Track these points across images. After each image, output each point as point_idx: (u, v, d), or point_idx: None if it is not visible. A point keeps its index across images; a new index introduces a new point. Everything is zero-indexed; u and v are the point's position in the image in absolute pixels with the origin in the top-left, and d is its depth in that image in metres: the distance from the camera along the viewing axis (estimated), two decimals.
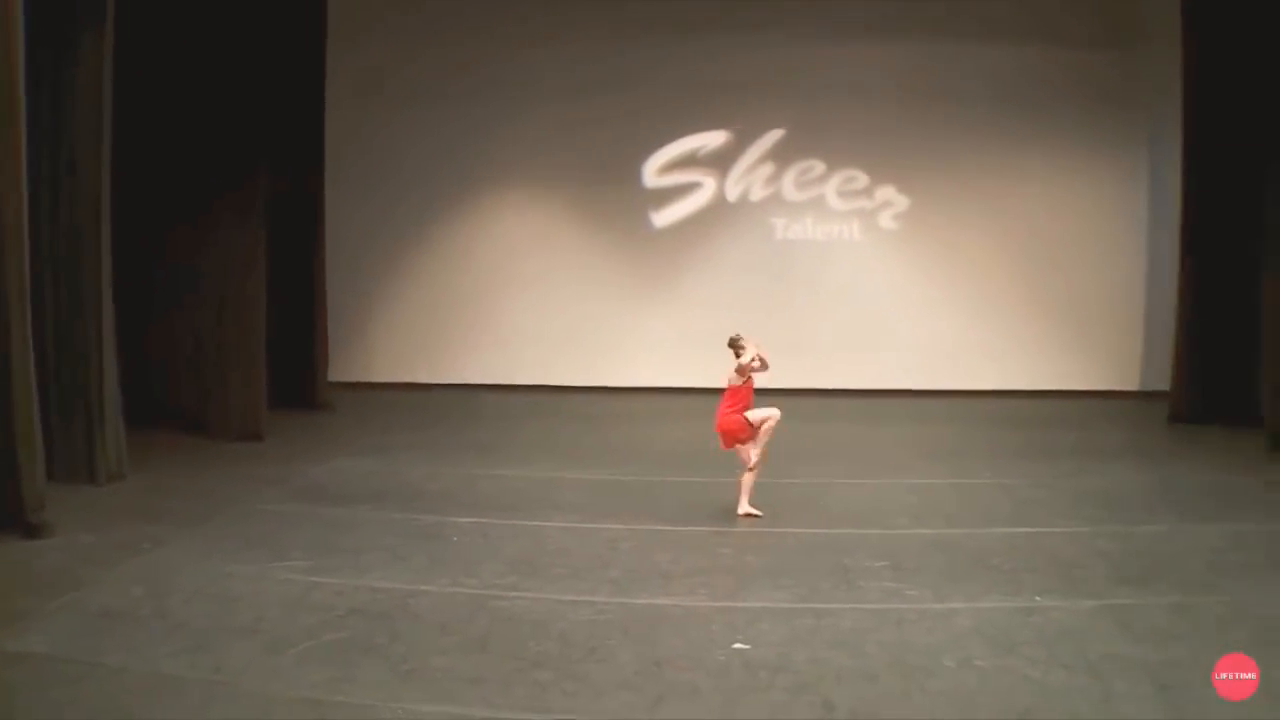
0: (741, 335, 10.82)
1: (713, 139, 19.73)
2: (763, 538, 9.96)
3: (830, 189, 19.66)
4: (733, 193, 19.76)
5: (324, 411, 17.10)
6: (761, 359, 10.67)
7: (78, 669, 6.70)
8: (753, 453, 10.57)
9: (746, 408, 10.58)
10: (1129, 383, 19.32)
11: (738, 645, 7.15)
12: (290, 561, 9.04)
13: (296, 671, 6.74)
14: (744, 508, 10.54)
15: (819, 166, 19.65)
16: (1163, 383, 17.55)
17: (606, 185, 19.69)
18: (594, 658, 6.98)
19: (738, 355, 10.64)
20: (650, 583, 8.59)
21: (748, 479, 10.60)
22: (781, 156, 19.67)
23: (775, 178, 19.68)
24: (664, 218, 19.84)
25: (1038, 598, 8.11)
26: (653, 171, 19.80)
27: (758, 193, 19.73)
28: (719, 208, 19.82)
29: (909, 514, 10.81)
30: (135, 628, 7.43)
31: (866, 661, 6.87)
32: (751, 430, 10.55)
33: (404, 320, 20.02)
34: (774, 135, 19.62)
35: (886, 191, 19.66)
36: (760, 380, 18.76)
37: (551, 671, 6.73)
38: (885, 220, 19.71)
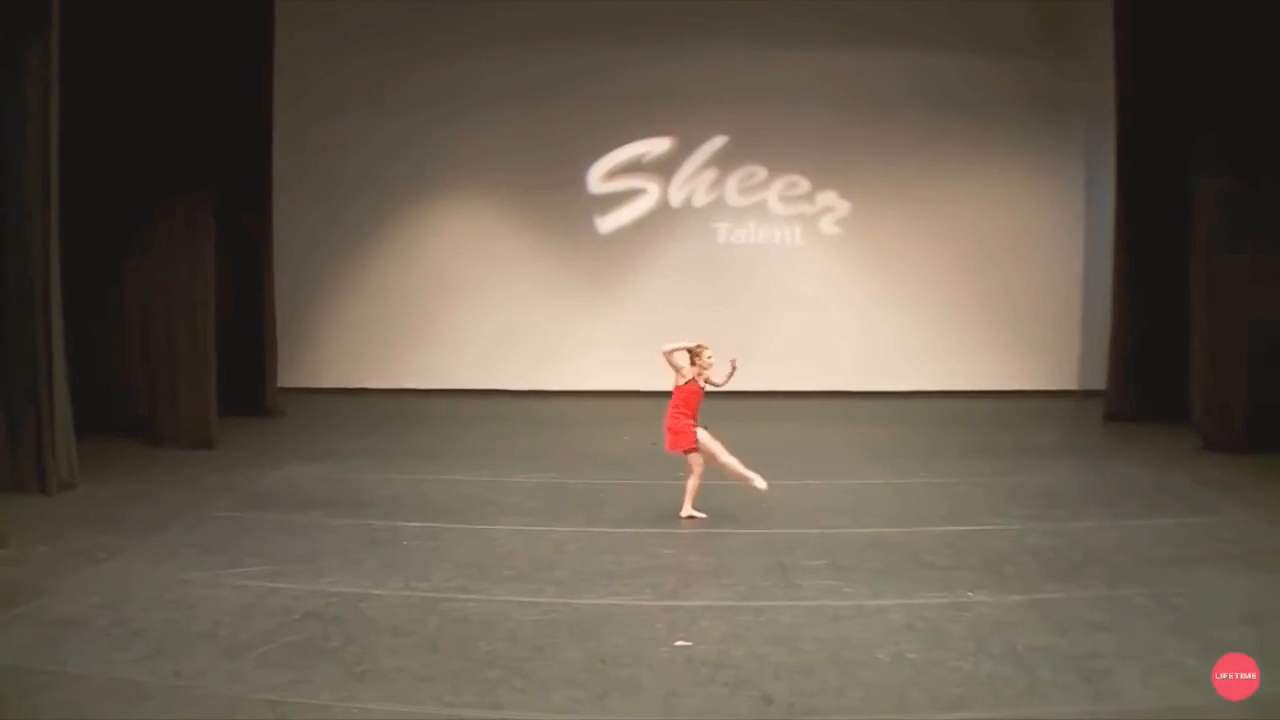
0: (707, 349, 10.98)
1: (656, 145, 19.91)
2: (705, 539, 10.25)
3: (772, 194, 19.91)
4: (676, 198, 19.96)
5: (274, 417, 17.15)
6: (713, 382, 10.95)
7: (39, 678, 6.79)
8: (696, 469, 10.81)
9: (696, 412, 10.79)
10: (1067, 382, 19.66)
11: (680, 642, 7.42)
12: (246, 567, 9.16)
13: (255, 674, 6.91)
14: (687, 510, 10.77)
15: (761, 172, 19.88)
16: (1100, 382, 17.86)
17: (552, 191, 19.82)
18: (541, 656, 7.22)
19: (695, 360, 10.87)
20: (595, 583, 8.84)
21: (692, 483, 10.81)
22: (724, 163, 19.88)
23: (718, 183, 19.89)
24: (609, 223, 20.01)
25: (969, 593, 8.43)
26: (597, 177, 19.96)
27: (701, 198, 19.94)
28: (663, 213, 20.01)
29: (848, 514, 11.11)
30: (94, 636, 7.52)
31: (803, 656, 7.16)
32: (697, 448, 10.76)
33: (352, 326, 20.06)
34: (717, 142, 19.83)
35: (828, 196, 19.91)
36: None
37: (501, 670, 6.96)
38: (827, 225, 19.97)
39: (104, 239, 14.67)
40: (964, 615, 7.94)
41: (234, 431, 15.31)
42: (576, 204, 19.98)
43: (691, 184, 19.95)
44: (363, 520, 10.80)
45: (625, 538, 10.17)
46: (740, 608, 8.20)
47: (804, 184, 19.95)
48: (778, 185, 19.94)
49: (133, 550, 9.69)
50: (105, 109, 14.36)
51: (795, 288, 19.81)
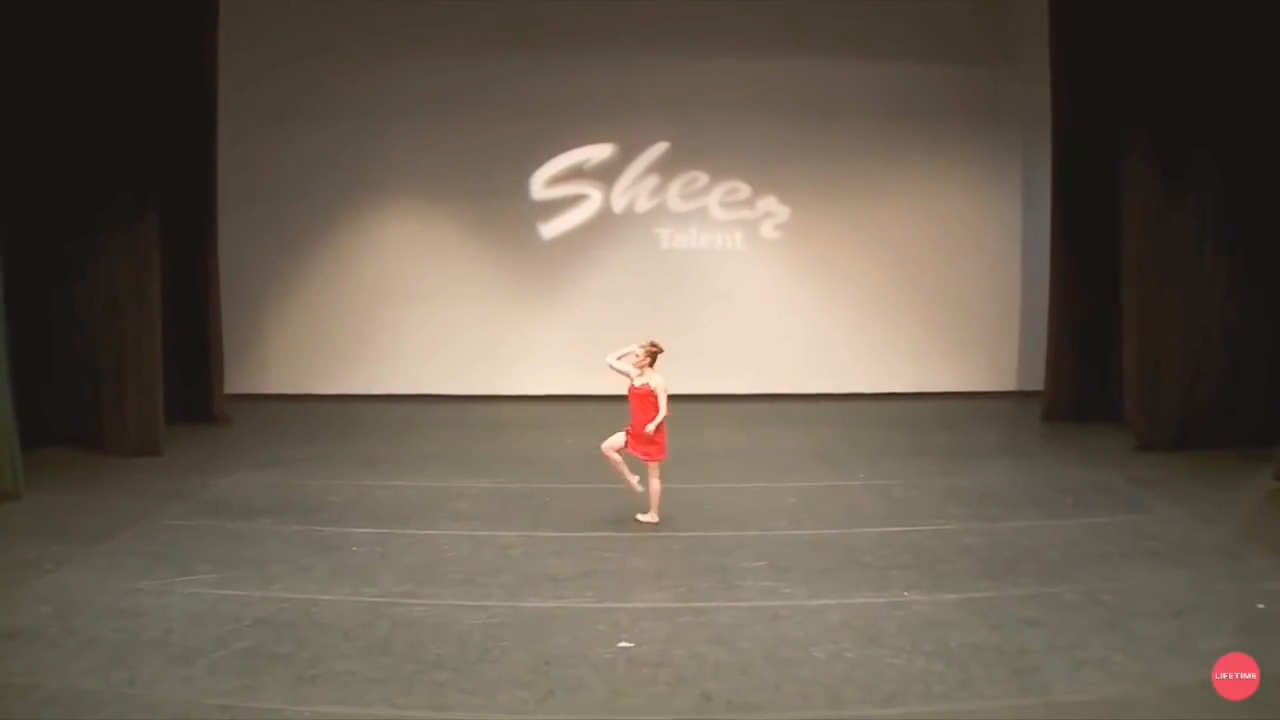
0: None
1: (598, 152, 19.94)
2: (646, 542, 10.44)
3: (713, 200, 20.01)
4: (619, 204, 20.01)
5: (221, 424, 17.11)
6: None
7: None
8: (657, 473, 10.95)
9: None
10: (1006, 383, 19.91)
11: (623, 643, 7.66)
12: (196, 575, 9.26)
13: (208, 680, 7.05)
14: (654, 516, 10.94)
15: (703, 178, 19.98)
16: (1038, 383, 18.10)
17: (494, 197, 19.82)
18: (488, 658, 7.42)
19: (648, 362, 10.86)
20: (540, 587, 9.03)
21: (656, 486, 10.95)
22: (666, 169, 19.96)
23: (660, 189, 19.97)
24: (552, 229, 20.03)
25: (905, 592, 8.71)
26: (540, 184, 20.00)
27: (643, 204, 20.01)
28: (605, 219, 20.06)
29: (787, 516, 11.32)
30: (45, 646, 7.61)
31: (742, 655, 7.41)
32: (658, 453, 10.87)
33: (296, 331, 20.00)
34: (659, 148, 19.91)
35: (768, 202, 20.03)
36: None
37: (450, 672, 7.16)
38: (767, 230, 20.09)
39: (48, 246, 14.52)
40: (899, 614, 8.21)
41: (181, 439, 15.34)
42: (519, 210, 19.99)
43: (634, 190, 20.02)
44: (312, 526, 10.92)
45: (569, 542, 10.34)
46: (681, 609, 8.42)
47: (745, 189, 20.06)
48: (719, 191, 20.03)
49: (81, 560, 9.74)
50: (49, 115, 14.23)
51: (737, 292, 19.94)
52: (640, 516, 10.95)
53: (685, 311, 19.61)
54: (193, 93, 16.79)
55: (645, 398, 10.73)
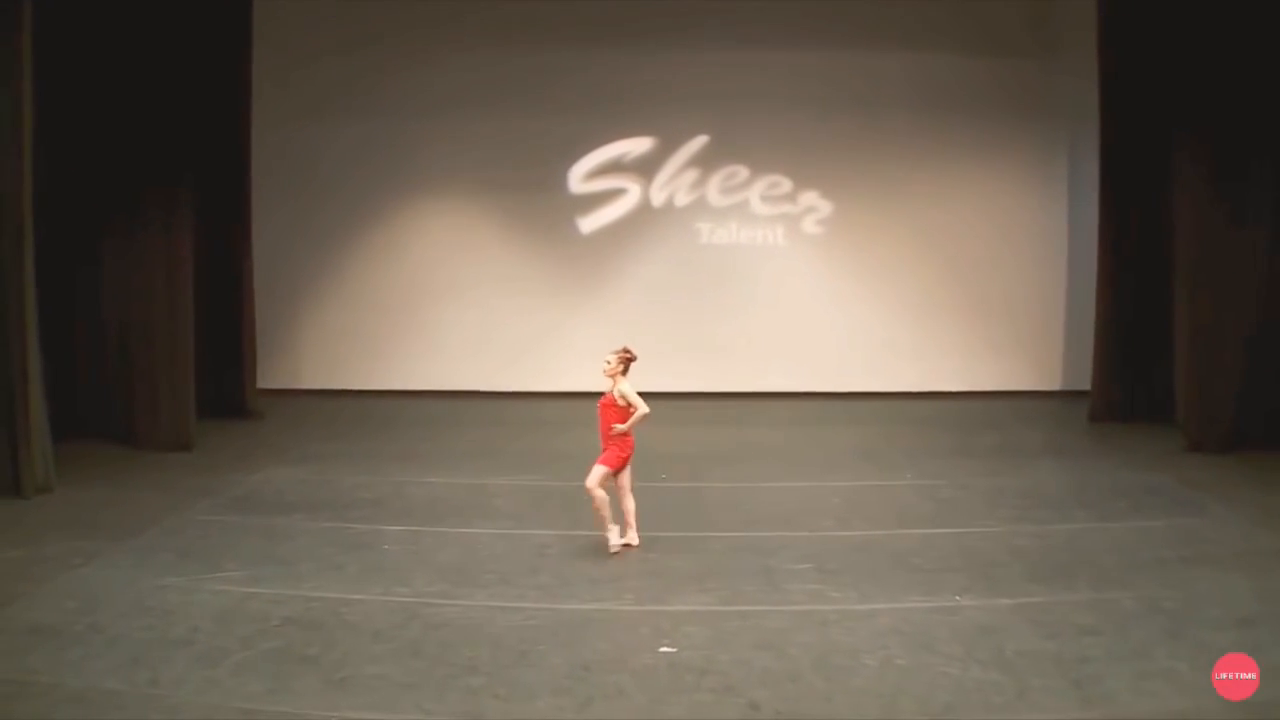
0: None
1: (637, 145, 19.72)
2: (688, 542, 10.10)
3: (754, 194, 19.72)
4: (658, 198, 19.76)
5: (254, 419, 16.96)
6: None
7: (8, 688, 6.71)
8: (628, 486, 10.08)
9: None
10: (1051, 383, 19.53)
11: (664, 648, 7.36)
12: (224, 572, 9.06)
13: (232, 682, 6.83)
14: (633, 537, 10.02)
15: (743, 172, 19.71)
16: (1084, 383, 17.71)
17: (532, 191, 19.61)
18: (524, 662, 7.14)
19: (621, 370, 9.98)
20: (578, 588, 8.75)
21: (630, 504, 10.06)
22: (706, 162, 19.71)
23: (700, 183, 19.70)
24: (590, 223, 19.82)
25: (957, 597, 8.38)
26: (578, 178, 19.78)
27: (683, 198, 19.75)
28: (644, 213, 19.82)
29: (833, 516, 11.02)
30: (68, 644, 7.43)
31: (790, 662, 7.09)
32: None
33: (331, 326, 19.87)
34: (698, 141, 19.65)
35: (810, 197, 19.74)
36: (680, 383, 18.96)
37: (483, 677, 6.88)
38: (809, 225, 19.80)
39: (82, 240, 14.52)
40: (951, 619, 7.88)
41: (213, 434, 15.18)
42: (557, 204, 19.78)
43: (673, 184, 19.75)
44: (344, 524, 10.71)
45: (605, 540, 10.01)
46: (725, 613, 8.12)
47: (786, 184, 19.75)
48: (760, 185, 19.74)
49: (110, 555, 9.58)
50: (83, 109, 14.18)
51: (778, 288, 19.66)
52: (616, 542, 9.75)
53: (725, 307, 19.42)
54: (227, 87, 16.66)
55: (610, 407, 9.87)
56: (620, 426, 9.74)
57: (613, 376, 9.90)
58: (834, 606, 8.22)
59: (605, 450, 9.80)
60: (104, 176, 14.40)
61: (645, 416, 9.80)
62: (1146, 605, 8.13)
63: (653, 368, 18.81)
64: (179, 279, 14.70)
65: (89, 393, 14.75)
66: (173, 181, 14.63)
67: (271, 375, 18.83)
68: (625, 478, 9.88)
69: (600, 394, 9.98)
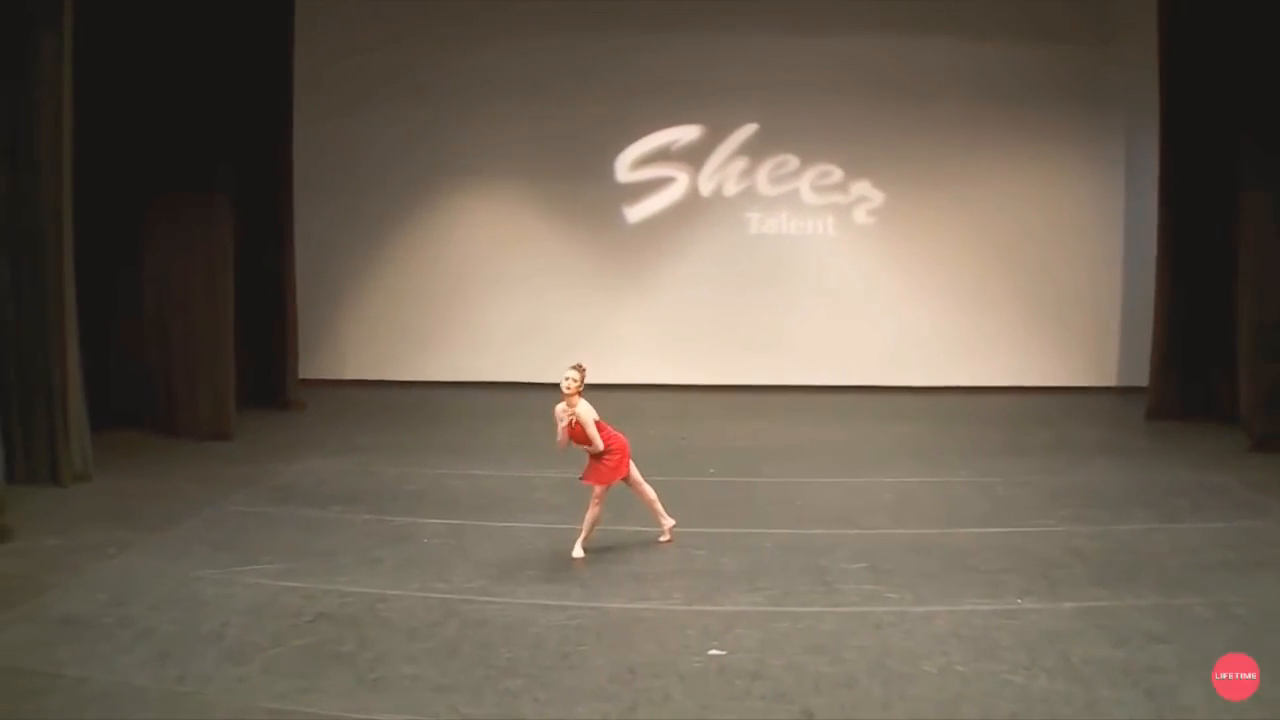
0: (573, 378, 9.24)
1: (686, 133, 19.50)
2: (738, 539, 9.77)
3: (804, 184, 19.46)
4: (706, 187, 19.53)
5: (294, 410, 16.89)
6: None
7: (37, 681, 6.55)
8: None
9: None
10: (1106, 379, 19.18)
11: (713, 651, 7.02)
12: (259, 565, 8.89)
13: (262, 680, 6.60)
14: (667, 522, 9.69)
15: (793, 161, 19.45)
16: (1140, 379, 17.37)
17: (578, 180, 19.46)
18: (566, 664, 6.85)
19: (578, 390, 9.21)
20: (623, 586, 8.46)
21: (649, 493, 9.63)
22: (755, 151, 19.46)
23: (749, 172, 19.46)
24: (637, 213, 19.62)
25: (1018, 599, 8.01)
26: (625, 166, 19.58)
27: (731, 187, 19.52)
28: (693, 203, 19.59)
29: (886, 513, 10.70)
30: (99, 636, 7.27)
31: (845, 667, 6.75)
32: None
33: (375, 317, 19.79)
34: (748, 129, 19.41)
35: (861, 186, 19.47)
36: (729, 376, 18.69)
37: (523, 679, 6.59)
38: (860, 215, 19.52)
39: (122, 227, 14.45)
40: (1013, 623, 7.50)
41: (253, 424, 15.09)
42: (604, 194, 19.59)
43: (722, 173, 19.51)
44: (383, 516, 10.51)
45: (655, 537, 9.71)
46: (777, 614, 7.78)
47: (837, 173, 19.49)
48: (810, 174, 19.48)
49: (145, 545, 9.46)
50: (124, 97, 14.10)
51: (828, 280, 19.38)
52: (580, 553, 9.25)
53: (774, 299, 19.22)
54: (270, 78, 16.64)
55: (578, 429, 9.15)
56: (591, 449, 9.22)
57: (573, 396, 9.15)
58: (890, 608, 7.88)
59: (592, 468, 9.32)
60: (144, 169, 14.35)
61: (601, 454, 9.24)
62: (1217, 611, 7.72)
63: (701, 360, 18.90)
64: (219, 270, 14.68)
65: (129, 382, 14.68)
66: (213, 173, 14.62)
67: (314, 366, 18.85)
68: (633, 473, 9.50)
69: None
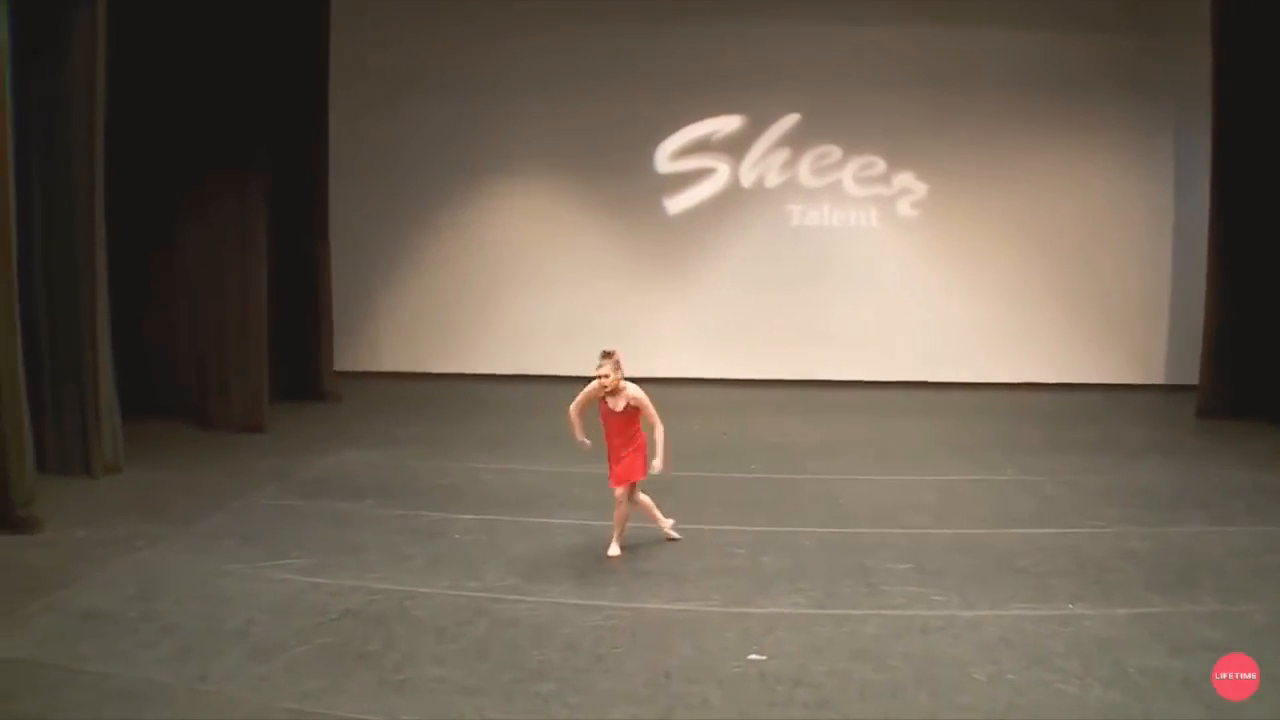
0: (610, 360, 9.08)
1: (726, 124, 19.24)
2: (779, 538, 9.50)
3: (847, 175, 19.18)
4: (747, 179, 19.28)
5: (329, 402, 16.74)
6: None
7: (57, 675, 6.42)
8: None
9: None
10: (1153, 376, 18.81)
11: (753, 656, 6.76)
12: (287, 560, 8.74)
13: (285, 680, 6.42)
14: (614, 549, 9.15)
15: (835, 152, 19.17)
16: (1188, 376, 17.07)
17: (617, 171, 19.26)
18: (600, 667, 6.61)
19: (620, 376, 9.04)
20: (660, 586, 8.21)
21: (628, 511, 9.18)
22: (797, 142, 19.19)
23: (791, 163, 19.19)
24: (677, 204, 19.39)
25: (1069, 605, 7.71)
26: (665, 157, 19.35)
27: (773, 179, 19.25)
28: (734, 194, 19.34)
29: (931, 512, 10.40)
30: (122, 631, 7.14)
31: (891, 674, 6.47)
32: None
33: (411, 309, 19.67)
34: (789, 120, 19.14)
35: (905, 178, 19.17)
36: (770, 370, 18.42)
37: (554, 682, 6.36)
38: (904, 207, 19.22)
39: (155, 216, 14.38)
40: (1065, 630, 7.20)
41: (287, 416, 14.95)
42: (644, 185, 19.36)
43: (763, 164, 19.23)
44: (415, 511, 10.31)
45: (693, 534, 9.46)
46: (819, 616, 7.50)
47: (880, 165, 19.18)
48: (853, 166, 19.18)
49: (173, 538, 9.33)
50: (158, 86, 14.03)
51: (871, 273, 19.10)
52: (616, 550, 9.02)
53: (817, 292, 18.96)
54: (305, 68, 16.52)
55: (632, 417, 9.05)
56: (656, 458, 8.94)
57: (613, 387, 9.02)
58: (937, 612, 7.59)
59: (622, 461, 9.01)
60: (177, 159, 14.27)
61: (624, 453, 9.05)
62: (1278, 619, 7.40)
63: (742, 354, 18.67)
64: (252, 260, 14.52)
65: (163, 373, 14.66)
66: (246, 163, 14.46)
67: (350, 358, 18.72)
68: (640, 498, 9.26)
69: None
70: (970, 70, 18.71)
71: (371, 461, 12.60)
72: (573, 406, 9.15)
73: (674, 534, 9.34)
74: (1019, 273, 18.97)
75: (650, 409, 9.04)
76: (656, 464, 8.91)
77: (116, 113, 12.06)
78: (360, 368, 19.01)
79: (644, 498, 9.21)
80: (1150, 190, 18.83)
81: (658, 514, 9.32)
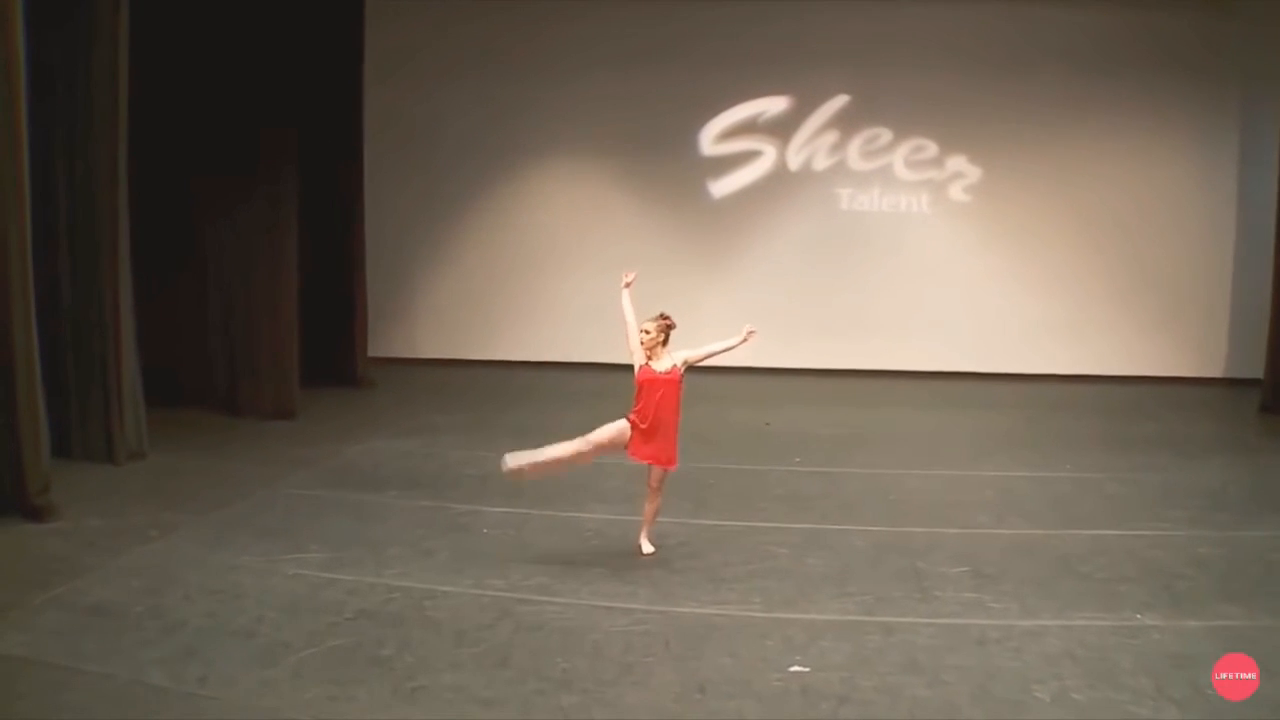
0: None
1: (773, 105, 18.77)
2: (825, 536, 9.02)
3: (898, 158, 18.68)
4: (795, 161, 18.80)
5: (364, 388, 16.51)
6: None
7: (55, 675, 6.16)
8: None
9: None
10: (1214, 369, 18.23)
11: (795, 668, 6.26)
12: (305, 554, 8.40)
13: (289, 686, 6.04)
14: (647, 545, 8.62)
15: (886, 135, 18.66)
16: (1252, 370, 16.62)
17: (661, 154, 18.86)
18: (629, 678, 6.14)
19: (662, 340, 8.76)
20: (698, 587, 7.73)
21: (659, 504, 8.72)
22: (846, 124, 18.71)
23: (839, 146, 18.71)
24: (722, 187, 18.95)
25: (1138, 615, 7.15)
26: (710, 139, 18.92)
27: (821, 162, 18.77)
28: (780, 177, 18.88)
29: (987, 510, 9.88)
30: (126, 627, 6.86)
31: (945, 690, 5.96)
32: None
33: (449, 294, 19.38)
34: (838, 101, 18.64)
35: (957, 162, 18.64)
36: (815, 359, 17.94)
37: (578, 694, 5.90)
38: (956, 192, 18.70)
39: (186, 203, 14.18)
40: (1133, 643, 6.66)
41: (320, 402, 14.70)
42: (687, 168, 18.95)
43: (811, 146, 18.75)
44: (442, 503, 9.97)
45: (734, 533, 8.98)
46: (867, 624, 6.99)
47: (932, 148, 18.65)
48: (903, 149, 18.67)
49: (189, 529, 9.03)
50: (190, 71, 13.79)
51: (922, 259, 18.59)
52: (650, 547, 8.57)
53: (865, 278, 18.48)
54: (340, 48, 16.32)
55: (676, 385, 8.62)
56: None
57: (654, 349, 8.69)
58: (995, 621, 7.05)
59: (659, 445, 8.47)
60: (209, 141, 14.00)
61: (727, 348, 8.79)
62: None
63: (786, 342, 18.17)
64: (283, 245, 14.31)
65: (193, 359, 14.40)
66: (279, 145, 14.23)
67: (387, 344, 18.53)
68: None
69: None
70: (1026, 50, 18.15)
71: (401, 450, 12.29)
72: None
73: (648, 548, 8.56)
74: (1075, 260, 18.43)
75: (706, 349, 8.87)
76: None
77: (148, 97, 11.99)
78: (397, 354, 18.75)
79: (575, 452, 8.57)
80: (1214, 175, 18.24)
81: (651, 522, 8.65)
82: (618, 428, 8.47)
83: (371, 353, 17.38)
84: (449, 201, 19.22)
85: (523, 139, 19.04)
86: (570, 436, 11.96)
